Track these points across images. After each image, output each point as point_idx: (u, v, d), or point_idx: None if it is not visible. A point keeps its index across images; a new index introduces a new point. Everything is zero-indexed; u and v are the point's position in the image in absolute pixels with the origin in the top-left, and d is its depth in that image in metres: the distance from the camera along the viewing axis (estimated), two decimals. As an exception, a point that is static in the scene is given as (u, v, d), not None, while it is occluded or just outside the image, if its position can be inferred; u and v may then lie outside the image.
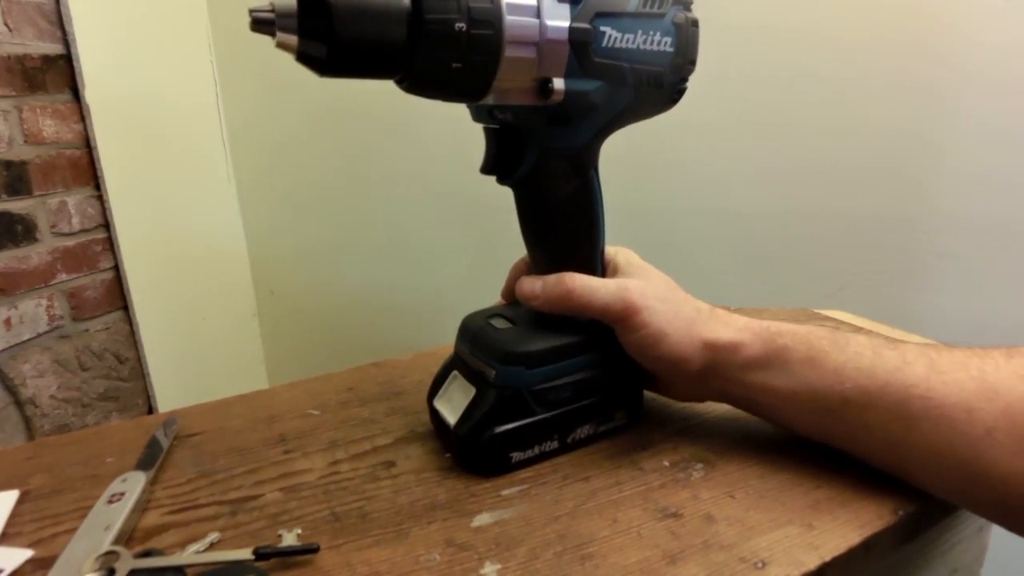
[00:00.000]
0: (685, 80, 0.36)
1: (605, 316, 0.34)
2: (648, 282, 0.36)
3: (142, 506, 0.33)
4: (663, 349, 0.34)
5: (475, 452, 0.35)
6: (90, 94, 0.98)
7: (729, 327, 0.35)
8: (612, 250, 0.39)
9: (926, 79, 0.75)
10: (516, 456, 0.35)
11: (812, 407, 0.33)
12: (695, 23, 0.35)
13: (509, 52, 0.29)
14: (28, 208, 0.92)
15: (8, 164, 0.89)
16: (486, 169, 0.36)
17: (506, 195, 0.37)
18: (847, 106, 0.80)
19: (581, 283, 0.34)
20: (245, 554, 0.28)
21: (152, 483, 0.35)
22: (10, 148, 0.89)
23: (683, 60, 0.35)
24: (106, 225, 1.04)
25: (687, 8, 0.35)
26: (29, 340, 0.92)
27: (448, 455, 0.37)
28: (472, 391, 0.35)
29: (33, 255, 0.93)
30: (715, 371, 0.35)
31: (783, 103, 0.84)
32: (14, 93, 0.89)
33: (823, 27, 0.79)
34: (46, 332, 0.95)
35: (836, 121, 0.81)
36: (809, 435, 0.35)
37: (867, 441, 0.32)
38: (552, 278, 0.35)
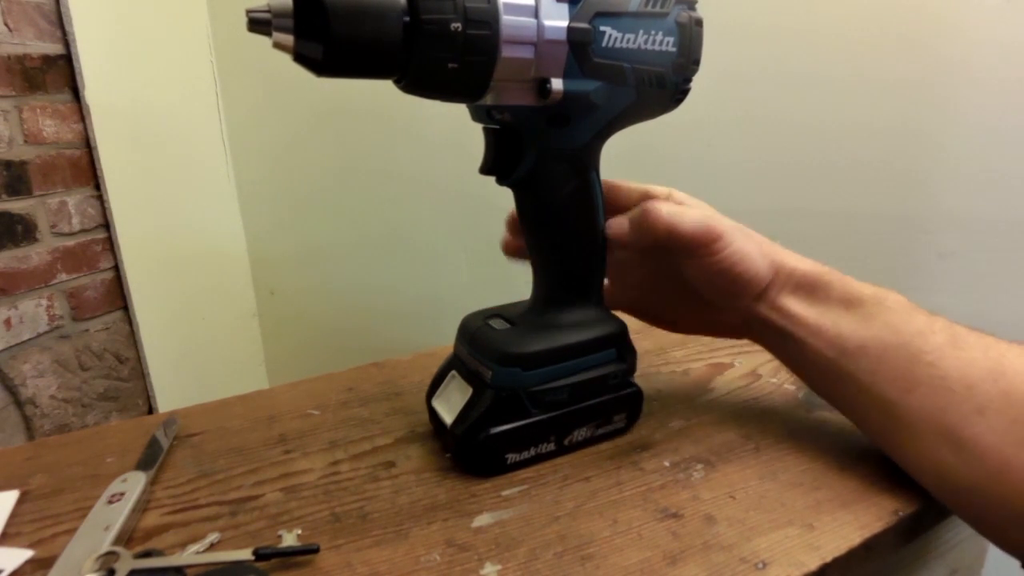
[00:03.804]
0: (688, 80, 0.35)
1: (692, 241, 0.35)
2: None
3: (142, 506, 0.33)
4: (741, 268, 0.35)
5: (470, 452, 0.35)
6: (90, 94, 0.98)
7: (791, 254, 0.37)
8: (664, 190, 0.39)
9: (927, 78, 0.75)
10: (512, 457, 0.35)
11: (833, 345, 0.34)
12: (699, 22, 0.34)
13: (506, 52, 0.29)
14: (28, 208, 0.92)
15: (8, 164, 0.89)
16: (485, 169, 0.36)
17: (507, 195, 0.37)
18: (848, 105, 0.80)
19: (670, 209, 0.35)
20: (245, 554, 0.28)
21: (152, 483, 0.35)
22: (10, 148, 0.89)
23: (686, 60, 0.34)
24: (106, 225, 1.04)
25: (691, 7, 0.34)
26: (29, 340, 0.92)
27: (448, 455, 0.37)
28: (469, 391, 0.35)
29: (33, 255, 0.93)
30: (768, 292, 0.36)
31: (783, 102, 0.83)
32: (14, 93, 0.89)
33: (823, 26, 0.79)
34: (46, 332, 0.95)
35: (836, 120, 0.81)
36: (815, 384, 0.37)
37: (865, 401, 0.33)
38: (638, 209, 0.36)
